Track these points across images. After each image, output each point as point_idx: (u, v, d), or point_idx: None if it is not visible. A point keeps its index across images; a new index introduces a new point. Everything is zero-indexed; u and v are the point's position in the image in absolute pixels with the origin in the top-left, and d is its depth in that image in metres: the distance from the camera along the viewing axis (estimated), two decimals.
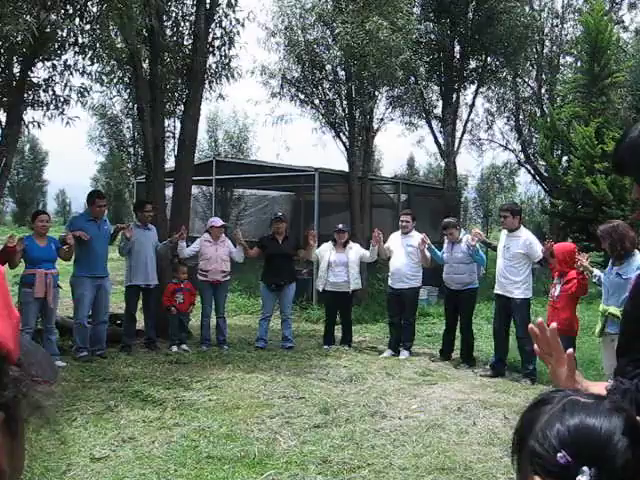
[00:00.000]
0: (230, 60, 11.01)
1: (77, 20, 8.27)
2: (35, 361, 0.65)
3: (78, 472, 4.66)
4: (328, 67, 13.58)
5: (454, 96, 16.36)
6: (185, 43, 10.78)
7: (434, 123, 16.62)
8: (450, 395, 7.06)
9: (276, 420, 6.04)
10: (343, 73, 13.53)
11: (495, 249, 8.76)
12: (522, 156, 23.87)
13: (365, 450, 5.20)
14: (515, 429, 1.12)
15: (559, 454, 1.00)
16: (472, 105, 17.79)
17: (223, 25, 10.79)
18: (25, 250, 8.07)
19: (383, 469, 4.77)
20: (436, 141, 16.63)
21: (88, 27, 8.74)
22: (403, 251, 9.44)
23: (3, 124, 8.79)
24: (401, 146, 69.74)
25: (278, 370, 8.17)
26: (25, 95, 8.79)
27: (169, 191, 11.18)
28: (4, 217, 58.48)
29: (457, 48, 16.38)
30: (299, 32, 13.42)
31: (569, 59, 22.79)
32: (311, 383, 7.49)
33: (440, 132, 16.53)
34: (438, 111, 16.69)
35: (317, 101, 14.10)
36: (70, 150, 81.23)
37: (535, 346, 1.72)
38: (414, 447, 5.29)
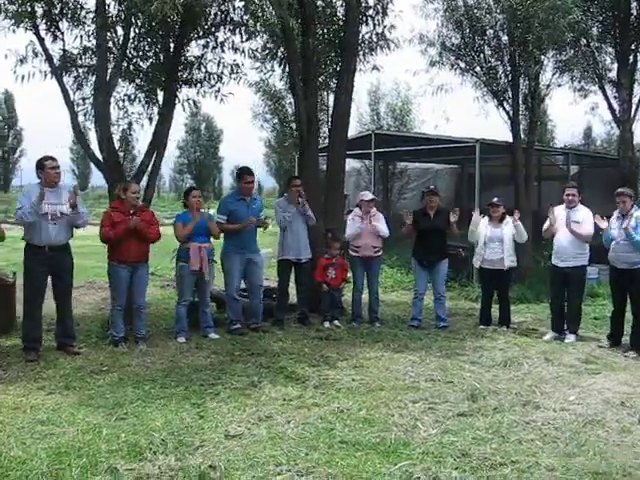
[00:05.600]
0: (384, 29, 10.68)
1: None
2: None
3: (210, 449, 4.63)
4: (489, 32, 12.89)
5: (631, 58, 14.92)
6: (337, 14, 10.57)
7: (608, 88, 15.27)
8: (614, 387, 6.38)
9: (419, 405, 5.74)
10: (506, 38, 12.79)
11: None
12: None
13: (510, 445, 4.78)
14: None
15: None
16: None
17: None
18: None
19: (527, 468, 4.33)
20: (610, 107, 15.29)
21: (241, 4, 8.77)
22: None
23: (160, 103, 9.05)
24: (577, 114, 65.97)
25: (428, 351, 7.87)
26: (179, 73, 8.97)
27: None
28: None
29: (634, 4, 14.87)
30: None
31: None
32: (461, 366, 7.13)
33: (615, 98, 15.19)
34: (613, 75, 15.31)
35: (478, 69, 13.46)
36: (244, 127, 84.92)
37: None
38: (566, 445, 4.79)
